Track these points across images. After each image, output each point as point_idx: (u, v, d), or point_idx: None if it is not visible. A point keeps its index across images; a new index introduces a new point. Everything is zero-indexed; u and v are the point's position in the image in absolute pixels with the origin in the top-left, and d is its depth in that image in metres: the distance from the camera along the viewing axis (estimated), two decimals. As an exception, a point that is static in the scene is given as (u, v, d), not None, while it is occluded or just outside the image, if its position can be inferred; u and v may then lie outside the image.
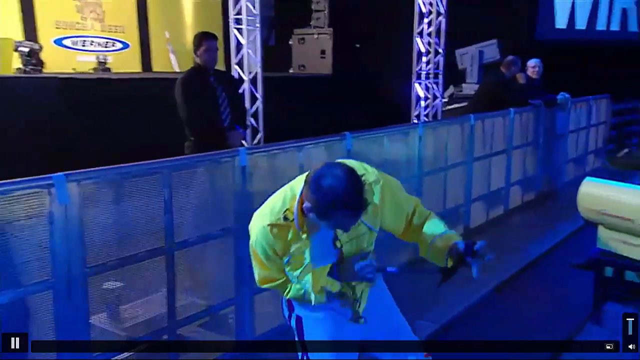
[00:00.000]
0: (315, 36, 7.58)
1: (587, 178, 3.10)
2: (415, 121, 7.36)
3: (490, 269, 3.69)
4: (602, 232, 3.14)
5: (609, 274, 3.26)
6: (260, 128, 5.53)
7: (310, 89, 7.31)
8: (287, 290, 1.81)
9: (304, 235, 1.68)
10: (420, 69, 7.30)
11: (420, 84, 7.32)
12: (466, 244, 1.68)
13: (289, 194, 1.72)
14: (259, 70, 5.55)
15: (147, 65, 7.37)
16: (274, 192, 1.79)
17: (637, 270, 3.36)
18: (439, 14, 7.10)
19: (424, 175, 3.93)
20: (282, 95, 6.08)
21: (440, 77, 7.31)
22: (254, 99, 5.58)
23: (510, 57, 5.49)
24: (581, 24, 9.87)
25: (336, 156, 3.02)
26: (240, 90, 5.22)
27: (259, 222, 1.72)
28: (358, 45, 8.16)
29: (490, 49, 7.61)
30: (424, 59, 7.22)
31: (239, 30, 5.46)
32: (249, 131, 5.24)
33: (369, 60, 8.04)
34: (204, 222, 2.46)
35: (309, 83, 7.50)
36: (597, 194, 3.04)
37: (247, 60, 5.49)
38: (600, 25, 10.10)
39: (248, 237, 1.76)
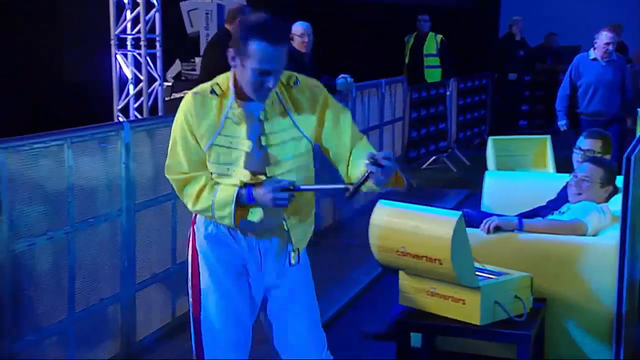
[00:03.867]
0: None
1: (380, 202, 3.46)
2: (121, 119, 7.60)
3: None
4: (403, 281, 3.63)
5: (416, 343, 3.81)
6: None
7: None
8: (197, 195, 2.71)
9: (238, 108, 2.65)
10: (124, 32, 7.82)
11: (125, 56, 7.89)
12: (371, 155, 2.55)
13: (220, 76, 2.71)
14: None
15: None
16: None
17: (454, 334, 3.96)
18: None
19: (137, 210, 4.16)
20: None
21: (159, 45, 7.86)
22: None
23: (234, 6, 6.46)
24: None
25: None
26: None
27: (187, 95, 2.72)
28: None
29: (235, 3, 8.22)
30: (129, 15, 7.62)
31: None
32: None
33: (30, 17, 8.19)
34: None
35: None
36: (394, 225, 3.42)
37: None
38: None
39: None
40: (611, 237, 3.91)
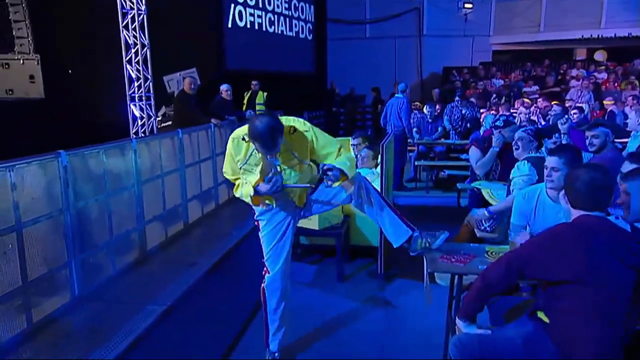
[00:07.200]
0: (21, 62, 10.40)
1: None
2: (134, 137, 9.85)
3: (206, 253, 5.94)
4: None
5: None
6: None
7: (20, 112, 10.39)
8: (236, 188, 3.74)
9: (259, 155, 3.50)
10: (134, 93, 10.64)
11: (135, 105, 10.63)
12: (321, 166, 3.60)
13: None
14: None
15: None
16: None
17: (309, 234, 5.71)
18: (143, 45, 10.40)
19: (142, 183, 5.74)
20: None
21: (152, 99, 10.68)
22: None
23: (189, 77, 8.42)
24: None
25: (53, 174, 4.26)
26: None
27: (233, 134, 3.64)
28: (70, 71, 10.98)
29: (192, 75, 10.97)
30: (136, 84, 10.53)
31: None
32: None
33: (84, 85, 11.02)
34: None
35: (18, 106, 10.55)
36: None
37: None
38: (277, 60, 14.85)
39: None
40: None
